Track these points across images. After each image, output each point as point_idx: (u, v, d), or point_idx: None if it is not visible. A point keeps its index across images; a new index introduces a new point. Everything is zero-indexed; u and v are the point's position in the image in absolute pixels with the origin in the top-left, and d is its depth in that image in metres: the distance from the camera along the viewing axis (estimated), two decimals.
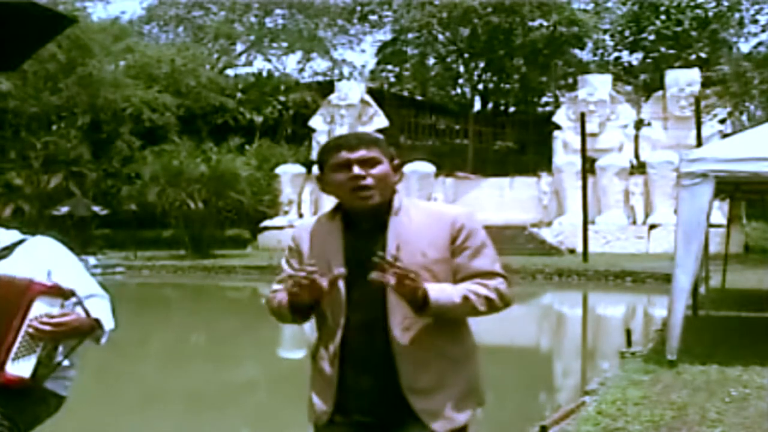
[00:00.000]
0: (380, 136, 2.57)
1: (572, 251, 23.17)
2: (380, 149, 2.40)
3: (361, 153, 2.37)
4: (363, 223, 2.42)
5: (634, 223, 24.73)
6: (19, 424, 2.72)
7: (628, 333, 8.60)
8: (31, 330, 2.66)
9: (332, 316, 2.40)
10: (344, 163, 2.37)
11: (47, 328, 2.66)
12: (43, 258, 2.83)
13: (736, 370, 6.72)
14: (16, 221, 23.74)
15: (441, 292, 2.31)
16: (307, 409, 2.51)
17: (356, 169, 2.35)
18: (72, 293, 2.75)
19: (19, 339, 2.66)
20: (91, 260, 22.03)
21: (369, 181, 2.35)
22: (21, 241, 2.89)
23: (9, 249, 2.84)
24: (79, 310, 2.75)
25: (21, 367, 2.66)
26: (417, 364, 2.34)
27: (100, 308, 2.83)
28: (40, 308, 2.68)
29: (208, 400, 8.17)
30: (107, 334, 2.83)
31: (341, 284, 2.35)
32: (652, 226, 23.95)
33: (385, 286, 2.27)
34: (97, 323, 2.78)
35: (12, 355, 2.65)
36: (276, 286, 2.57)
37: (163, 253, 26.07)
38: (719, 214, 17.80)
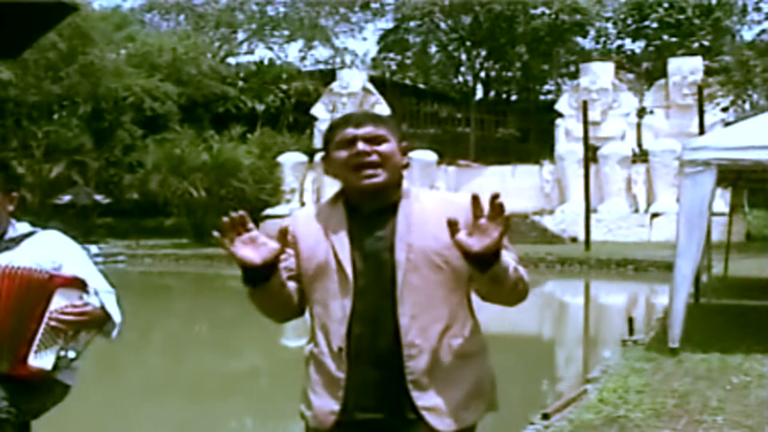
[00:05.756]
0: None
1: (574, 239, 23.16)
2: (388, 128, 2.22)
3: (368, 129, 2.19)
4: (368, 205, 2.21)
5: (637, 211, 24.71)
6: (25, 412, 2.73)
7: (630, 321, 8.60)
8: (53, 322, 2.65)
9: (338, 306, 2.18)
10: (350, 139, 2.18)
11: (70, 318, 2.66)
12: (50, 251, 2.82)
13: (737, 358, 6.73)
14: (18, 211, 23.69)
15: (503, 254, 2.08)
16: (309, 416, 2.25)
17: (361, 145, 2.16)
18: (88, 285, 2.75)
19: (41, 331, 2.66)
20: (93, 249, 22.04)
21: (374, 158, 2.16)
22: (30, 234, 2.88)
23: (16, 240, 2.84)
24: (94, 301, 2.75)
25: (43, 360, 2.67)
26: (423, 356, 2.15)
27: (107, 303, 2.83)
28: (60, 301, 2.68)
29: (210, 388, 8.19)
30: (118, 328, 2.83)
31: (348, 270, 2.16)
32: (655, 215, 23.93)
33: (395, 270, 2.14)
34: (109, 316, 2.79)
35: (34, 347, 2.65)
36: None
37: (165, 242, 26.10)
38: (721, 202, 17.79)
